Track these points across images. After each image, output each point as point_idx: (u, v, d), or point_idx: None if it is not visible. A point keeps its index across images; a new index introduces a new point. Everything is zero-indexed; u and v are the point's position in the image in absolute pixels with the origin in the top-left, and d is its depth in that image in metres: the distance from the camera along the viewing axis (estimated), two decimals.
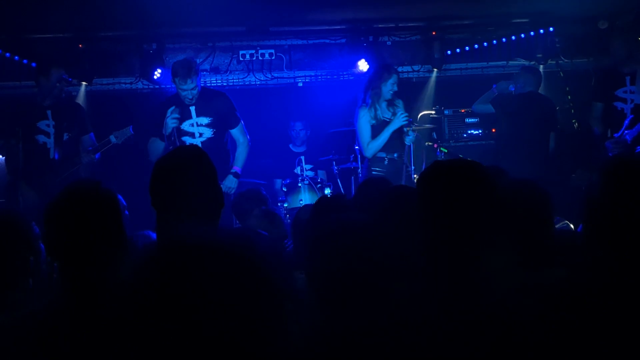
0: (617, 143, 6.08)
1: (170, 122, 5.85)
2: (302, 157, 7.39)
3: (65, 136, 6.22)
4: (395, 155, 6.34)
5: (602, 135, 6.43)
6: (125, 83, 7.79)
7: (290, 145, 7.81)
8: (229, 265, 1.11)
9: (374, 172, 6.26)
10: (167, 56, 7.74)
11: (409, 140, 6.29)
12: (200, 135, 6.09)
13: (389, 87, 6.27)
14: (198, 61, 7.78)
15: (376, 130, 6.28)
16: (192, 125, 6.08)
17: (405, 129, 6.25)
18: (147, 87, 7.75)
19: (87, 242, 2.04)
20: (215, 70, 7.86)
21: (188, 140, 6.02)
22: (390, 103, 6.34)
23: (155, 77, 7.45)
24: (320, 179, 7.22)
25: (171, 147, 5.82)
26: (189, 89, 5.88)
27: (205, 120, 6.09)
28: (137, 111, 7.09)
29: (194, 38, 7.75)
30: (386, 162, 6.31)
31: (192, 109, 6.03)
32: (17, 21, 6.76)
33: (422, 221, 1.90)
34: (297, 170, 7.19)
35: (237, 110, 6.21)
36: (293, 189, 7.03)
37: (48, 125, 6.19)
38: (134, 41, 7.51)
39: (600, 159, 6.12)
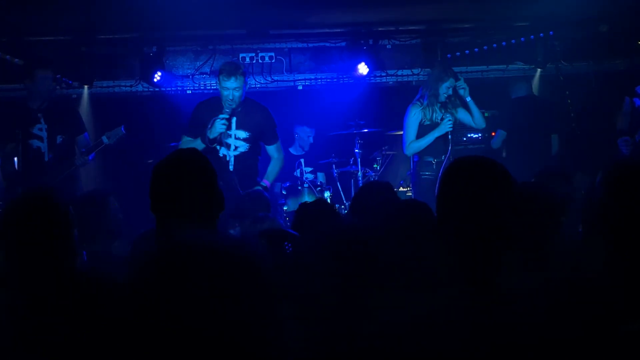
0: (627, 142, 6.07)
1: (219, 126, 5.68)
2: (302, 160, 7.40)
3: (59, 139, 6.20)
4: (443, 157, 6.30)
5: (621, 132, 6.37)
6: (126, 86, 7.78)
7: (290, 149, 7.82)
8: (227, 268, 1.12)
9: (423, 177, 6.23)
10: (167, 59, 7.75)
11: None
12: (236, 148, 5.86)
13: (444, 90, 6.24)
14: (198, 64, 7.82)
15: (424, 131, 6.28)
16: (230, 136, 5.85)
17: (449, 136, 6.27)
18: (147, 89, 7.75)
19: (33, 249, 2.12)
20: (215, 73, 7.83)
21: (222, 150, 5.85)
22: (444, 105, 6.30)
23: (155, 79, 7.45)
24: (320, 182, 7.23)
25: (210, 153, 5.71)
26: (231, 88, 5.64)
27: (243, 134, 5.86)
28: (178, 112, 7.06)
29: (194, 41, 7.75)
30: (434, 165, 6.29)
31: (233, 120, 5.79)
32: (18, 24, 6.77)
33: (441, 216, 1.90)
34: (297, 173, 7.20)
35: (277, 127, 6.07)
36: (293, 192, 7.04)
37: (41, 130, 6.16)
38: (134, 44, 7.50)
39: (612, 157, 6.10)
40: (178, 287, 1.08)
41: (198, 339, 1.06)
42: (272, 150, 6.05)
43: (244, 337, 1.09)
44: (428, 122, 6.26)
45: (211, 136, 5.74)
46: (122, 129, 6.11)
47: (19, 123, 6.12)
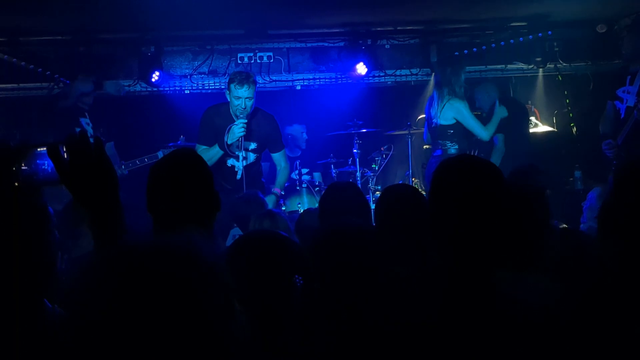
0: (610, 144, 6.08)
1: (238, 130, 5.61)
2: (298, 162, 7.40)
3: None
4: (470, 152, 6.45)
5: (605, 135, 6.38)
6: (124, 86, 7.77)
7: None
8: (176, 271, 1.10)
9: None
10: (165, 59, 7.74)
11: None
12: (245, 159, 5.83)
13: (466, 76, 6.59)
14: (196, 64, 7.82)
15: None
16: (240, 149, 5.81)
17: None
18: (145, 89, 7.74)
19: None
20: (213, 73, 7.85)
21: (231, 161, 5.82)
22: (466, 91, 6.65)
23: (153, 79, 7.44)
24: (318, 182, 7.23)
25: (227, 157, 5.78)
26: (243, 97, 5.57)
27: (252, 145, 5.84)
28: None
29: (192, 41, 7.74)
30: None
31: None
32: (16, 23, 6.75)
33: (432, 215, 1.89)
34: (294, 174, 7.20)
35: (283, 136, 6.11)
36: (291, 192, 7.03)
37: (88, 124, 6.41)
38: (132, 44, 7.49)
39: (600, 161, 6.11)
40: (123, 293, 1.06)
41: (143, 345, 1.04)
42: (278, 157, 6.05)
43: (194, 340, 1.07)
44: (476, 113, 6.55)
45: (229, 141, 5.68)
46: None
47: (69, 115, 6.36)
